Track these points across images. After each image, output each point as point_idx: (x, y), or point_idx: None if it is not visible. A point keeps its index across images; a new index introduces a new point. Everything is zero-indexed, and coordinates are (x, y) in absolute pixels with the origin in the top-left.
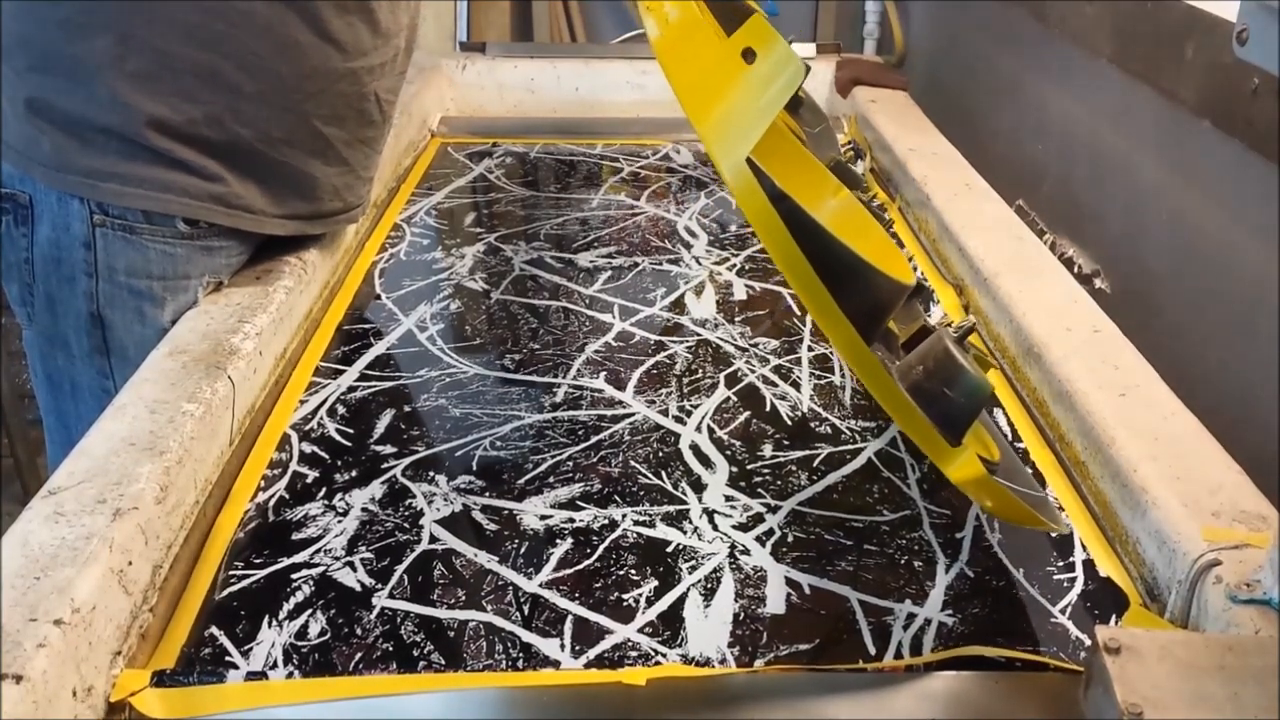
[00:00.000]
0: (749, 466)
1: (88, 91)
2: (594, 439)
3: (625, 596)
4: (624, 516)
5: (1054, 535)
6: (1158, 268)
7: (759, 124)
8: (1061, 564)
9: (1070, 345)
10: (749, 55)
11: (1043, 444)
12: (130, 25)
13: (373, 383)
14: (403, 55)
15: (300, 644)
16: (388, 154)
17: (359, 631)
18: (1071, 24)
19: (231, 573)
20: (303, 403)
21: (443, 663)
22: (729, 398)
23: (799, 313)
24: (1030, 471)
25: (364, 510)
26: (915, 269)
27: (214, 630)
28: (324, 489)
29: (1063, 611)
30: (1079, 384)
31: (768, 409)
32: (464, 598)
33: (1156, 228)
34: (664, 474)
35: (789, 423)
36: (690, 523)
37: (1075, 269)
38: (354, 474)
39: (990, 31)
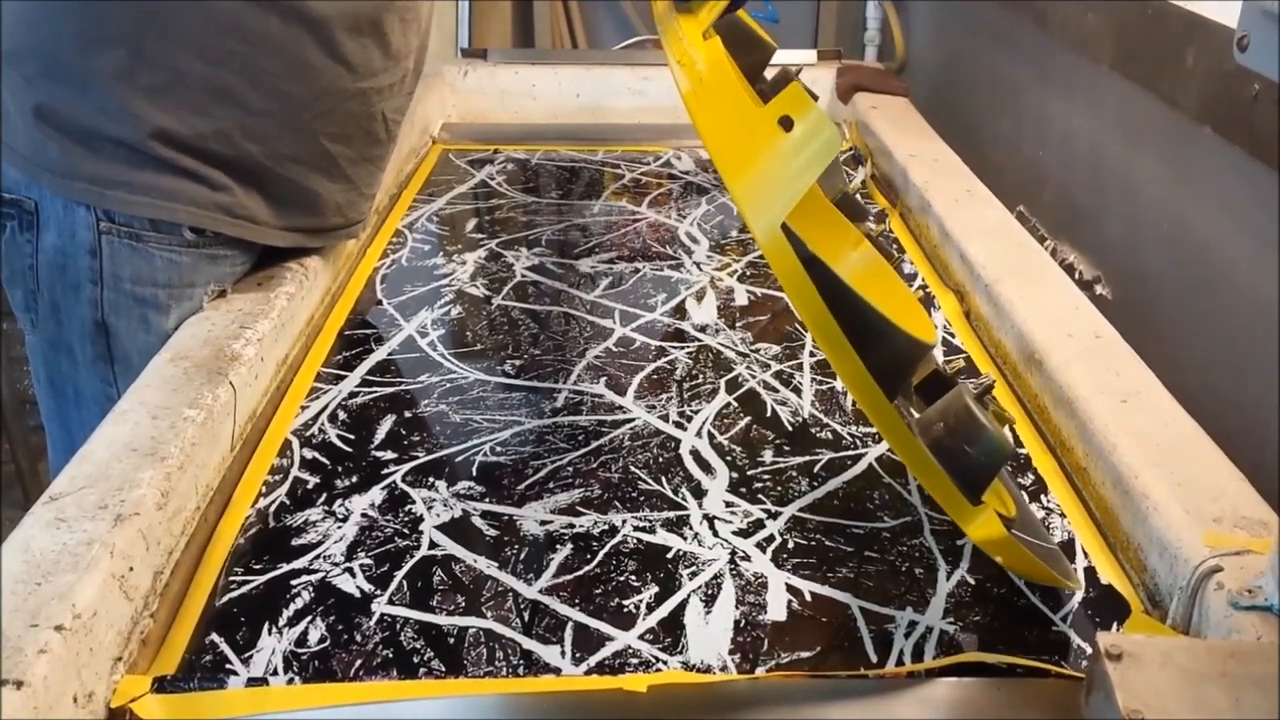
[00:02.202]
0: (749, 472)
1: (97, 102)
2: (594, 444)
3: (626, 603)
4: (624, 522)
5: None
6: (1158, 274)
7: (794, 192)
8: None
9: (1071, 351)
10: (786, 123)
11: (1044, 450)
12: (143, 39)
13: (374, 388)
14: (411, 76)
15: (300, 650)
16: (390, 162)
17: (359, 638)
18: (1073, 30)
19: (232, 579)
20: (304, 408)
21: (443, 669)
22: (730, 403)
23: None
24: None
25: (364, 516)
26: (918, 276)
27: (214, 636)
28: (324, 495)
29: (1064, 619)
30: (1080, 390)
31: (768, 414)
32: (464, 604)
33: (1157, 234)
34: (664, 479)
35: (790, 428)
36: (690, 528)
37: (1076, 275)
38: (354, 480)
39: (991, 37)
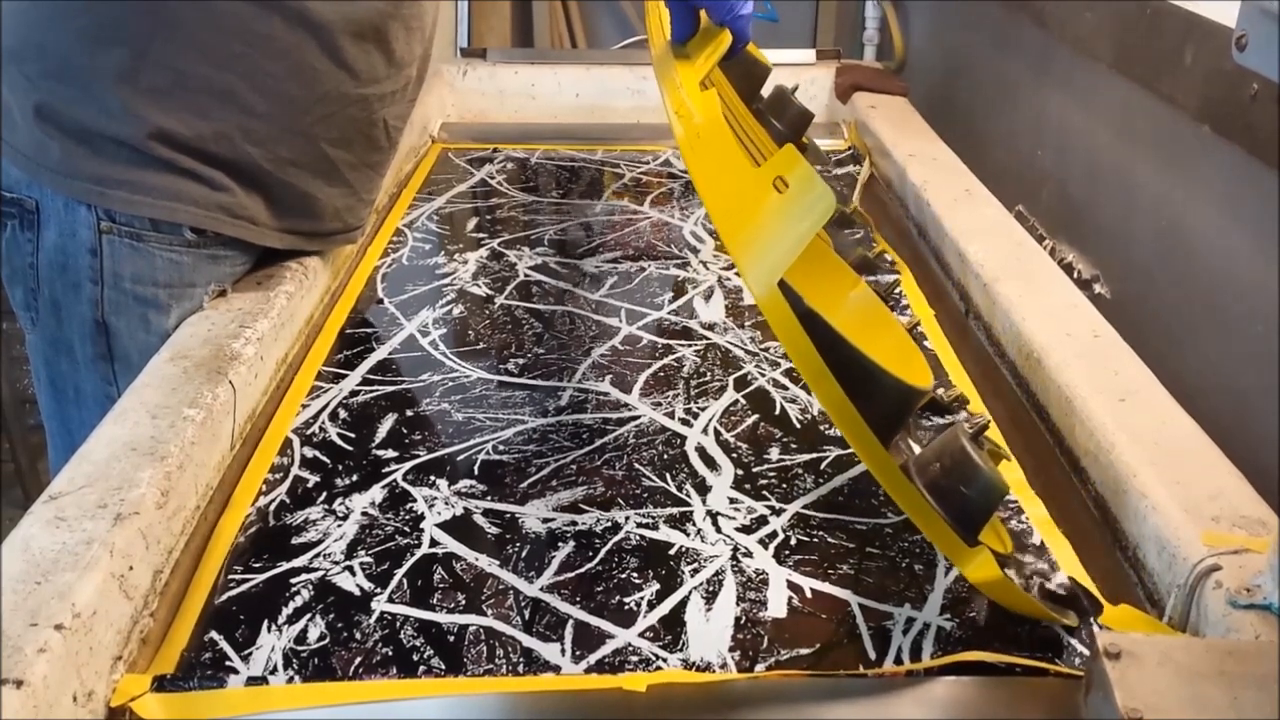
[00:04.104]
0: (755, 469)
1: (100, 102)
2: (598, 442)
3: (627, 600)
4: (627, 519)
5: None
6: (1157, 273)
7: (789, 252)
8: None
9: (1070, 350)
10: (780, 185)
11: (1042, 449)
12: (148, 41)
13: (375, 387)
14: (414, 84)
15: (300, 648)
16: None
17: (358, 636)
18: (1072, 30)
19: (231, 577)
20: (304, 407)
21: (443, 668)
22: (737, 400)
23: None
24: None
25: (364, 514)
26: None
27: (214, 635)
28: (325, 493)
29: None
30: (1078, 389)
31: (777, 412)
32: (464, 602)
33: (1156, 232)
34: (668, 476)
35: (798, 426)
36: (694, 525)
37: (1075, 274)
38: (355, 478)
39: (990, 37)
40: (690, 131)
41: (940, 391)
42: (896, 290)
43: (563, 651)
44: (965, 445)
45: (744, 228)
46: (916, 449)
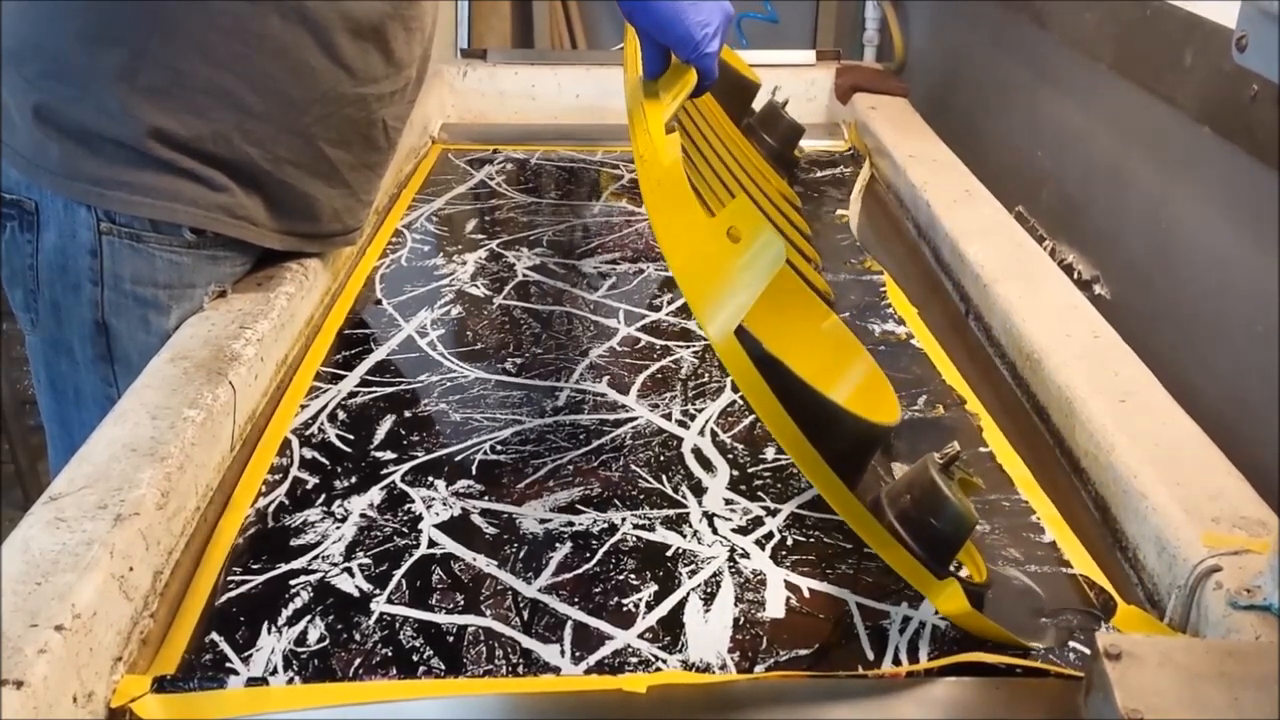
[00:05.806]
0: (750, 470)
1: (98, 102)
2: (595, 443)
3: (625, 601)
4: (623, 520)
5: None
6: (1157, 273)
7: (743, 301)
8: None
9: (1070, 351)
10: (734, 235)
11: (1042, 450)
12: (146, 40)
13: (373, 388)
14: (414, 85)
15: (300, 649)
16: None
17: (358, 637)
18: (1072, 30)
19: (231, 578)
20: (303, 408)
21: (442, 668)
22: (734, 401)
23: None
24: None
25: (362, 516)
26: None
27: (214, 636)
28: (323, 495)
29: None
30: (1079, 390)
31: None
32: (463, 602)
33: (1155, 233)
34: (665, 478)
35: None
36: (690, 526)
37: (1075, 275)
38: (354, 479)
39: (991, 38)
40: (651, 178)
41: (926, 407)
42: (882, 289)
43: (562, 652)
44: (934, 477)
45: (700, 277)
46: (898, 471)
